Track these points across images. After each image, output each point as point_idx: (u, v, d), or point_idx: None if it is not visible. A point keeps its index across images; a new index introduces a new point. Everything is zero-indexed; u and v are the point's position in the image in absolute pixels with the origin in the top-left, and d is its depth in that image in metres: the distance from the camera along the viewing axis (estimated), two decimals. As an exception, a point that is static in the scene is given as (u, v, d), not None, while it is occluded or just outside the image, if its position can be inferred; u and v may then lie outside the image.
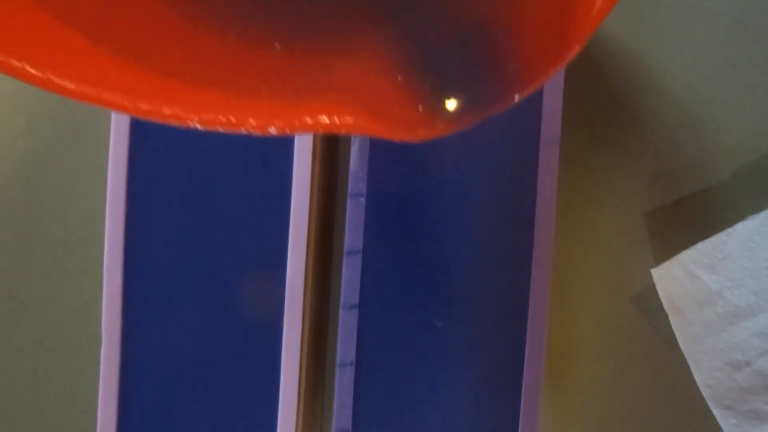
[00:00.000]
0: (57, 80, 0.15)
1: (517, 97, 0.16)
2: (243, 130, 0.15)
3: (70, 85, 0.15)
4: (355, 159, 0.24)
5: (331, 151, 0.27)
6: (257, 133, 0.15)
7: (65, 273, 0.30)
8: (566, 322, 0.30)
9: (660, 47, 0.30)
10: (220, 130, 0.15)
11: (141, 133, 0.24)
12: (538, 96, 0.24)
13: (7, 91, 0.30)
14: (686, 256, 0.28)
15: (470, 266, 0.24)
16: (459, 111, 0.16)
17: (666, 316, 0.29)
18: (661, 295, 0.28)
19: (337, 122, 0.15)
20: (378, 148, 0.24)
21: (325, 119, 0.15)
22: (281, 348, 0.24)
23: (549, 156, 0.24)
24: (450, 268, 0.24)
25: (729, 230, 0.28)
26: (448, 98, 0.16)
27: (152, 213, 0.24)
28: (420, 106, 0.16)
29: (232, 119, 0.15)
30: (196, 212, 0.24)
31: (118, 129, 0.24)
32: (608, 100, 0.30)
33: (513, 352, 0.24)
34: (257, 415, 0.24)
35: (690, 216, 0.29)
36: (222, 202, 0.24)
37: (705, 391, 0.28)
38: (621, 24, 0.30)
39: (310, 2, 0.19)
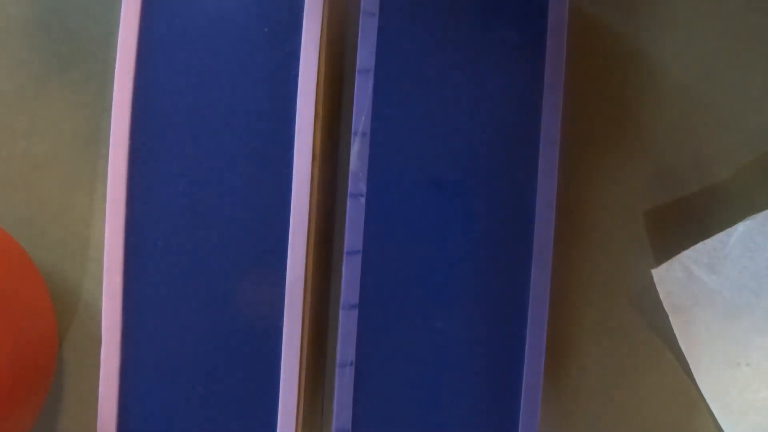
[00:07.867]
0: None
1: None
2: None
3: None
4: (355, 159, 0.24)
5: (331, 151, 0.27)
6: None
7: (65, 273, 0.30)
8: (566, 323, 0.30)
9: (660, 47, 0.30)
10: None
11: (141, 133, 0.24)
12: (538, 96, 0.24)
13: (7, 91, 0.30)
14: (686, 256, 0.28)
15: (470, 266, 0.24)
16: None
17: (666, 316, 0.29)
18: (661, 295, 0.28)
19: None
20: (378, 148, 0.24)
21: None
22: (281, 348, 0.24)
23: (549, 156, 0.24)
24: (450, 268, 0.24)
25: (729, 230, 0.28)
26: None
27: (152, 213, 0.24)
28: None
29: None
30: (196, 212, 0.24)
31: (118, 129, 0.24)
32: (608, 100, 0.30)
33: (513, 353, 0.24)
34: (257, 415, 0.24)
35: (690, 216, 0.29)
36: (222, 202, 0.24)
37: (705, 391, 0.28)
38: (621, 23, 0.30)
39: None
